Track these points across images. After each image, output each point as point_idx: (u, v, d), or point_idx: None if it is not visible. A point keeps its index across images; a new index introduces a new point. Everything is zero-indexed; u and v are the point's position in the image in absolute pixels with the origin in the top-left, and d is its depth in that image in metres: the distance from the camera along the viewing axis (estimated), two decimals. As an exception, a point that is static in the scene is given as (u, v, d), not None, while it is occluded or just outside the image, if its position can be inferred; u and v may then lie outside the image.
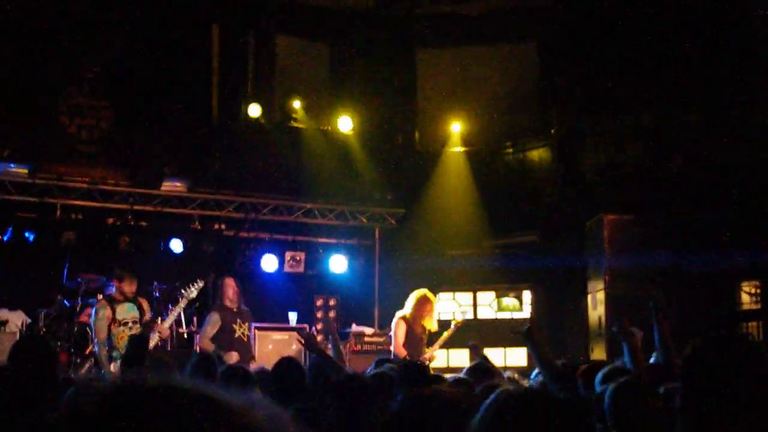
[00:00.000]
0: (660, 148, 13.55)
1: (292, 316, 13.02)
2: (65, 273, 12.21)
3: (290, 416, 1.18)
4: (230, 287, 10.71)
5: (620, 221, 13.31)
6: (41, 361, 5.02)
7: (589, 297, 13.61)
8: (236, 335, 10.44)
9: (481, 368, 7.94)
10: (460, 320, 11.51)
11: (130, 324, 9.46)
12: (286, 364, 6.33)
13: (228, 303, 10.58)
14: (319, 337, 13.68)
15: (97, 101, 13.92)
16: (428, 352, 10.79)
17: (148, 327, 8.81)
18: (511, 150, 15.34)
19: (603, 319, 13.07)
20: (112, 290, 9.74)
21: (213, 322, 10.40)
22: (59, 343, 11.78)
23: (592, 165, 14.31)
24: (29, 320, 11.89)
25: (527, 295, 14.40)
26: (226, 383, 5.67)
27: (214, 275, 12.15)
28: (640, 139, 13.90)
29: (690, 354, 2.94)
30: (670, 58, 13.11)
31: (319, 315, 14.39)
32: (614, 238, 13.21)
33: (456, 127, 15.40)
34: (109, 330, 9.39)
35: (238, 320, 10.58)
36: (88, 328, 10.17)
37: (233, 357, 10.13)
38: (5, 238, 12.58)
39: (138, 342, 5.56)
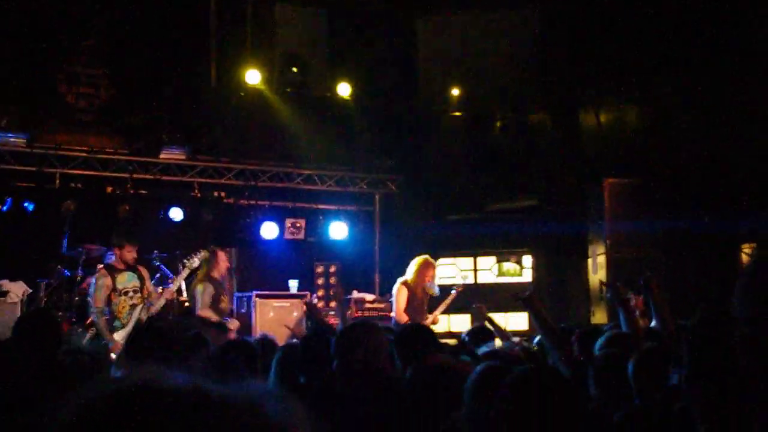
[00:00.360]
0: (661, 111, 13.48)
1: (293, 284, 13.03)
2: (65, 242, 12.18)
3: (303, 409, 1.16)
4: (222, 261, 10.65)
5: (620, 185, 13.31)
6: (46, 335, 5.04)
7: (590, 261, 13.62)
8: (222, 306, 10.42)
9: (481, 331, 8.00)
10: (461, 285, 11.57)
11: (130, 293, 9.42)
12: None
13: (216, 275, 10.49)
14: (320, 304, 13.75)
15: (95, 70, 13.85)
16: (430, 317, 10.84)
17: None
18: (510, 115, 15.26)
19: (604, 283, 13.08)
20: (112, 259, 9.70)
21: (209, 292, 10.35)
22: (60, 313, 11.80)
23: (592, 129, 14.26)
24: (30, 291, 11.89)
25: (528, 260, 14.41)
26: (230, 357, 5.70)
27: (213, 244, 12.12)
28: (640, 102, 13.83)
29: (696, 324, 2.93)
30: (672, 20, 13.00)
31: (319, 282, 14.40)
32: (614, 201, 13.21)
33: (455, 92, 15.32)
34: (110, 299, 9.37)
35: (224, 292, 10.58)
36: (88, 298, 10.14)
37: (235, 324, 10.18)
38: (4, 209, 12.58)
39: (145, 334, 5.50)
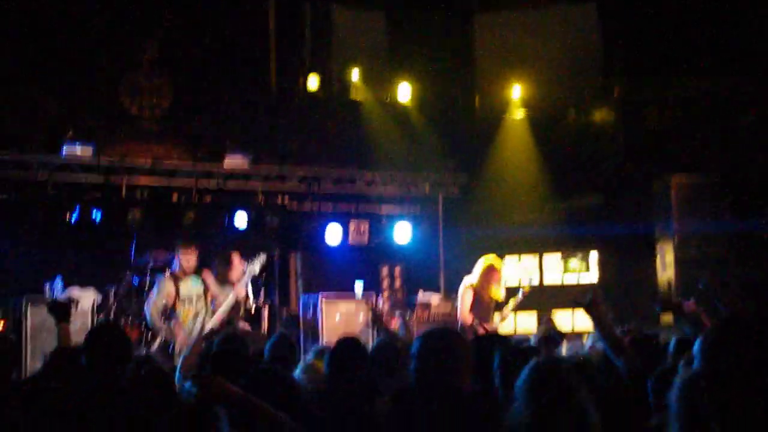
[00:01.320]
0: (729, 107, 13.22)
1: (358, 286, 13.01)
2: (133, 251, 12.33)
3: None
4: (237, 267, 10.56)
5: (689, 183, 13.09)
6: (117, 348, 5.10)
7: (658, 259, 13.41)
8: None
9: (551, 335, 7.90)
10: (528, 287, 11.47)
11: (194, 300, 9.50)
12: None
13: (233, 278, 10.44)
14: (385, 306, 13.72)
15: (157, 80, 13.96)
16: (497, 319, 10.80)
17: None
18: (573, 112, 15.08)
19: (673, 282, 12.89)
20: (175, 267, 9.77)
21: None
22: (129, 319, 11.96)
23: (658, 125, 14.01)
24: (100, 298, 12.01)
25: (594, 257, 14.24)
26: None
27: (279, 249, 12.18)
28: (707, 98, 13.57)
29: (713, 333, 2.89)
30: (740, 11, 12.75)
31: (384, 284, 14.38)
32: (682, 199, 13.00)
33: (516, 92, 15.18)
34: (174, 307, 9.46)
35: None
36: (145, 303, 10.20)
37: (247, 326, 10.28)
38: (73, 219, 12.71)
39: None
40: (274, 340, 6.57)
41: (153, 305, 9.50)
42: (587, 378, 4.96)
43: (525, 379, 3.77)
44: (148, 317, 9.55)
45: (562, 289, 14.07)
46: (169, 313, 9.50)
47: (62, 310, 6.09)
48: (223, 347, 5.89)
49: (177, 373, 6.16)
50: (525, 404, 3.65)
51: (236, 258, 10.48)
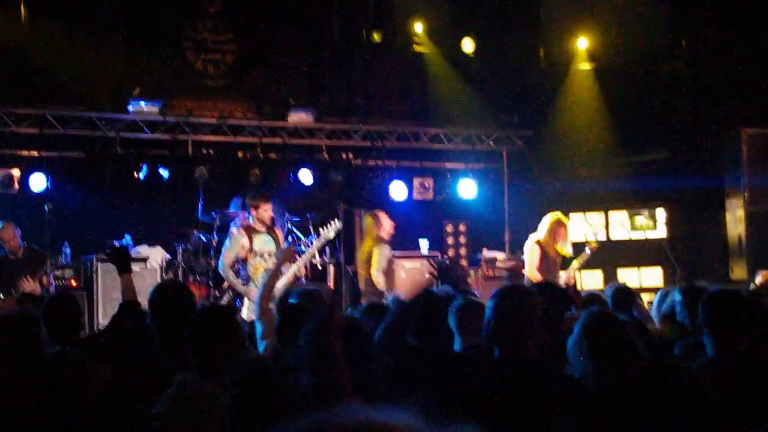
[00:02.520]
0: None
1: (423, 243, 13.02)
2: (200, 208, 12.41)
3: None
4: (386, 222, 10.90)
5: (760, 135, 12.82)
6: (180, 308, 5.06)
7: (728, 215, 13.19)
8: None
9: (625, 293, 7.75)
10: (595, 243, 11.41)
11: (266, 256, 9.51)
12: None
13: (384, 236, 10.79)
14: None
15: (221, 35, 14.01)
16: (564, 275, 10.77)
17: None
18: (640, 65, 14.79)
19: (743, 237, 12.69)
20: (249, 220, 9.78)
21: (385, 255, 10.84)
22: (197, 277, 12.11)
23: (727, 78, 13.71)
24: (168, 256, 12.17)
25: (661, 213, 14.08)
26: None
27: (344, 206, 12.18)
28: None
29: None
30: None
31: (449, 241, 14.37)
32: (753, 153, 12.75)
33: (582, 43, 14.91)
34: (245, 260, 9.49)
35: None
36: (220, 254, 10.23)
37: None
38: (141, 177, 12.85)
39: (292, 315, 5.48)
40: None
41: (225, 257, 9.51)
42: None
43: (581, 330, 3.83)
44: (220, 268, 9.59)
45: (630, 243, 13.92)
46: (238, 267, 9.53)
47: (122, 258, 6.00)
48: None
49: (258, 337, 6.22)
50: (583, 354, 3.72)
51: (383, 215, 10.91)
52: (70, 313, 5.76)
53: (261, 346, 6.07)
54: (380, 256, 10.69)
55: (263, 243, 9.56)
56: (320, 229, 9.95)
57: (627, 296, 7.18)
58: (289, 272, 9.53)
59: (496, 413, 3.85)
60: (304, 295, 6.27)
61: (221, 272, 9.70)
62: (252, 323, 6.93)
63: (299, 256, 9.97)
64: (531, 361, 4.07)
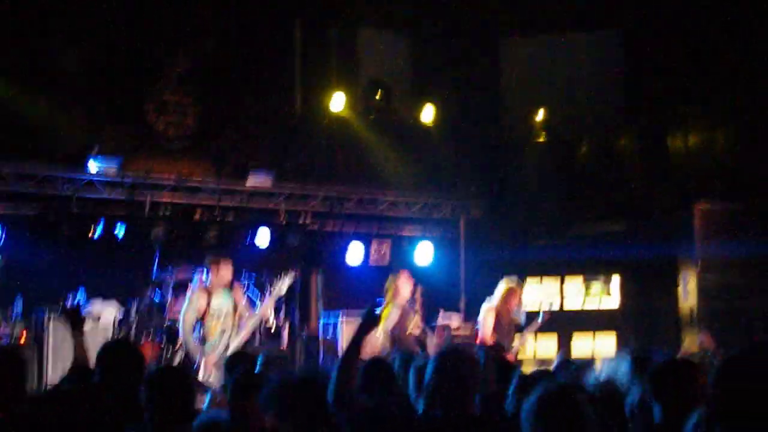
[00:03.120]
0: (753, 133, 13.16)
1: (379, 308, 12.96)
2: (155, 268, 12.33)
3: None
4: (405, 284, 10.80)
5: (712, 210, 13.01)
6: (129, 367, 5.01)
7: (680, 287, 13.32)
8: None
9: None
10: (548, 312, 11.46)
11: (222, 316, 9.44)
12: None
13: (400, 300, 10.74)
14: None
15: (183, 98, 13.99)
16: (517, 343, 10.80)
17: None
18: (596, 138, 15.04)
19: (695, 309, 12.81)
20: (206, 281, 9.69)
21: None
22: (150, 336, 11.95)
23: (681, 152, 13.96)
24: (122, 313, 12.00)
25: (616, 281, 14.18)
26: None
27: (300, 268, 12.16)
28: (731, 125, 13.52)
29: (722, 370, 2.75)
30: (763, 38, 12.72)
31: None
32: (706, 226, 12.93)
33: (540, 116, 15.16)
34: (203, 320, 9.41)
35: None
36: (179, 316, 10.12)
37: None
38: (97, 235, 12.73)
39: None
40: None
41: (185, 321, 9.42)
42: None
43: (533, 403, 3.76)
44: (180, 333, 9.50)
45: (584, 312, 14.00)
46: (195, 326, 9.43)
47: (75, 317, 5.96)
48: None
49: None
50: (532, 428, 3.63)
51: (402, 278, 10.82)
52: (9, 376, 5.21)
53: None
54: (388, 317, 10.60)
55: (221, 302, 9.50)
56: (271, 285, 9.92)
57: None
58: (246, 330, 9.48)
59: None
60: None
61: (181, 336, 9.60)
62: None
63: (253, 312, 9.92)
64: (475, 420, 4.14)
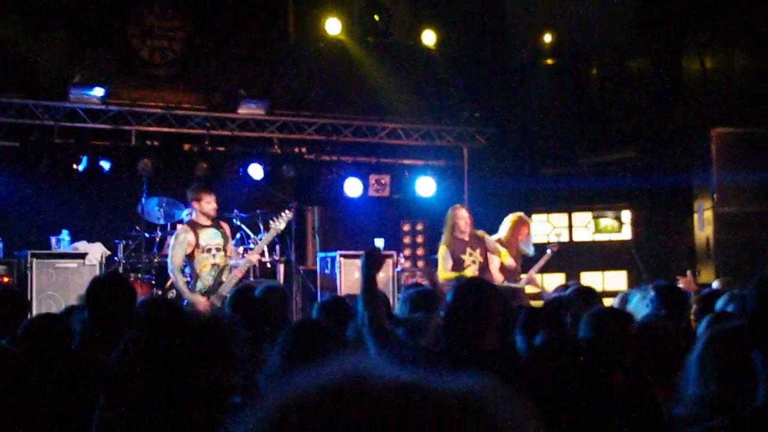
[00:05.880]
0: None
1: (379, 243, 12.45)
2: (143, 202, 11.79)
3: (527, 407, 1.07)
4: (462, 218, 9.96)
5: (729, 134, 12.45)
6: (119, 301, 4.83)
7: (696, 216, 12.78)
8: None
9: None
10: (557, 244, 11.00)
11: (213, 251, 8.96)
12: None
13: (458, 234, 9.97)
14: (406, 264, 13.15)
15: (169, 22, 13.43)
16: (525, 278, 10.27)
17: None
18: (608, 61, 14.37)
19: (711, 239, 12.28)
20: (192, 216, 9.21)
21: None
22: (139, 275, 11.50)
23: (698, 75, 13.32)
24: (108, 253, 11.58)
25: (626, 215, 13.66)
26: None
27: (297, 202, 11.59)
28: (750, 45, 12.86)
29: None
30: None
31: (406, 240, 13.86)
32: (722, 153, 12.38)
33: (547, 38, 14.44)
34: (192, 256, 8.91)
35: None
36: (167, 255, 9.66)
37: None
38: (81, 168, 12.23)
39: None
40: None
41: (173, 257, 8.90)
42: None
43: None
44: (170, 270, 9.00)
45: (593, 245, 13.48)
46: (184, 264, 8.91)
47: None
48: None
49: None
50: None
51: (458, 212, 9.87)
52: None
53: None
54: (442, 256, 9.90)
55: (210, 237, 8.98)
56: (270, 221, 9.39)
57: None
58: (240, 268, 8.98)
59: None
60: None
61: (170, 274, 9.13)
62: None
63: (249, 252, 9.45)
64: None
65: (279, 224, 9.33)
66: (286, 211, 9.49)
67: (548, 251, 10.72)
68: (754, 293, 2.54)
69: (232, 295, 6.29)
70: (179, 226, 9.47)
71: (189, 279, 8.92)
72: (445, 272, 9.63)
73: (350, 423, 1.01)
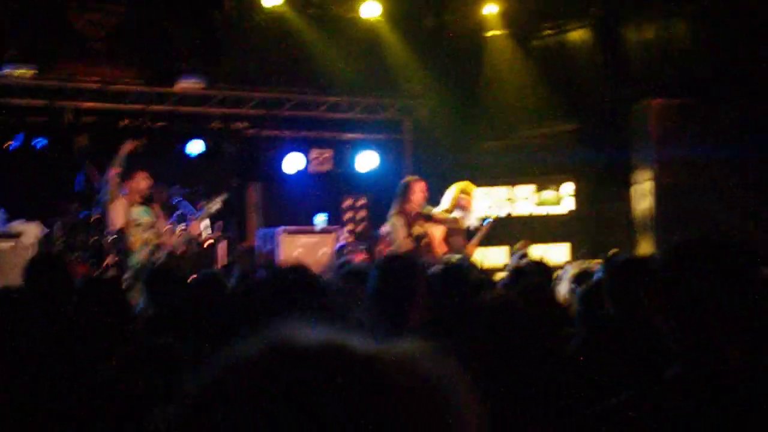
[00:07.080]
0: (712, 25, 12.54)
1: (321, 219, 12.38)
2: (80, 180, 11.61)
3: (457, 367, 1.06)
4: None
5: (669, 106, 12.48)
6: (56, 281, 4.90)
7: (633, 188, 12.85)
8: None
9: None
10: (495, 216, 10.92)
11: (144, 226, 8.96)
12: None
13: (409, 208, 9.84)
14: (349, 239, 13.11)
15: (105, -6, 13.16)
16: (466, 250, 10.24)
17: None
18: (549, 32, 14.32)
19: (652, 211, 12.35)
20: (126, 192, 9.15)
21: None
22: (77, 254, 11.33)
23: (638, 46, 13.34)
24: (46, 231, 11.39)
25: (568, 188, 13.69)
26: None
27: (237, 179, 11.51)
28: (689, 16, 12.88)
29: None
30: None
31: (348, 216, 13.80)
32: (662, 124, 12.42)
33: (490, 9, 14.34)
34: (124, 232, 8.88)
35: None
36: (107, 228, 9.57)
37: None
38: (14, 145, 12.02)
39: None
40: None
41: (113, 220, 8.90)
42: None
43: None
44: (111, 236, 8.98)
45: (535, 219, 13.50)
46: (118, 238, 8.87)
47: None
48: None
49: None
50: None
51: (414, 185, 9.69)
52: None
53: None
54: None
55: (140, 214, 9.00)
56: (204, 203, 9.36)
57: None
58: (179, 245, 9.05)
59: None
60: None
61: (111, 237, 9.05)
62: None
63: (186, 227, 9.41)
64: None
65: (211, 207, 9.35)
66: (222, 195, 9.50)
67: (485, 223, 10.64)
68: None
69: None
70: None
71: (122, 253, 8.91)
72: (403, 240, 9.54)
73: (280, 381, 1.00)
